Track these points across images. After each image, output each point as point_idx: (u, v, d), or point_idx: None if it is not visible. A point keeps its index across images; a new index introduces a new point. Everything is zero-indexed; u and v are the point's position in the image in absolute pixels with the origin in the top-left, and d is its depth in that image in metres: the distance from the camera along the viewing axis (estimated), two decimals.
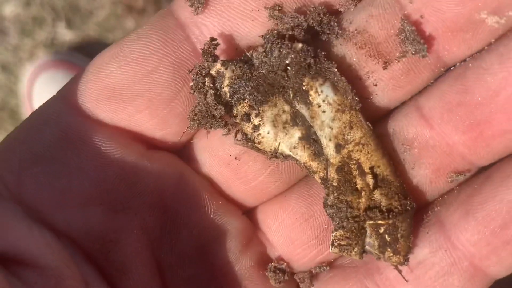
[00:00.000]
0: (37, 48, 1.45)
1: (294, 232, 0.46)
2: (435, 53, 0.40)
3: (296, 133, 0.41)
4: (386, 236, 0.40)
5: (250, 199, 0.46)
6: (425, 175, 0.42)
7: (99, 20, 1.45)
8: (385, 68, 0.40)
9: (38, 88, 1.34)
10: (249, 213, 0.48)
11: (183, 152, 0.45)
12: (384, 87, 0.41)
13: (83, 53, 1.45)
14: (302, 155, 0.41)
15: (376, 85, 0.41)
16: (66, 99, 0.42)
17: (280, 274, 0.46)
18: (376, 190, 0.40)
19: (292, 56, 0.38)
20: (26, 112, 1.38)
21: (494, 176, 0.40)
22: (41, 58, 1.40)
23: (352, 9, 0.40)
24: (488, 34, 0.38)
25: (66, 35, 1.46)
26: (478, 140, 0.39)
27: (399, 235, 0.40)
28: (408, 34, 0.39)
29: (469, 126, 0.39)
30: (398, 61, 0.40)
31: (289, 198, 0.46)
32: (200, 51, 0.41)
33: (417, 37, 0.38)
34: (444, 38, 0.39)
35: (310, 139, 0.41)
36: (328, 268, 0.46)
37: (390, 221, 0.39)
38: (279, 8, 0.39)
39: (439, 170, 0.42)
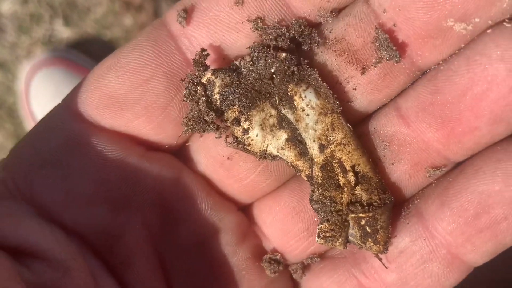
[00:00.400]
0: (34, 46, 1.47)
1: (286, 225, 0.50)
2: (409, 58, 0.43)
3: (283, 135, 0.45)
4: (367, 227, 0.44)
5: (244, 196, 0.51)
6: (404, 170, 0.46)
7: (97, 17, 1.47)
8: (363, 73, 0.44)
9: (35, 86, 1.37)
10: (245, 209, 0.52)
11: (180, 153, 0.50)
12: (363, 91, 0.45)
13: (80, 50, 1.46)
14: (289, 155, 0.45)
15: (355, 89, 0.45)
16: (69, 108, 0.46)
17: (275, 265, 0.50)
18: (357, 186, 0.44)
19: (277, 64, 0.42)
20: (23, 110, 1.40)
21: (467, 170, 0.44)
22: (38, 56, 1.42)
23: (331, 20, 0.44)
24: (457, 39, 0.41)
25: (63, 32, 1.47)
26: (450, 136, 0.43)
27: (378, 227, 0.44)
28: (382, 42, 0.42)
29: (441, 124, 0.43)
30: (375, 67, 0.44)
31: (282, 193, 0.50)
32: (191, 60, 0.44)
33: (390, 44, 0.42)
34: (416, 44, 0.42)
35: (296, 141, 0.45)
36: (319, 259, 0.50)
37: (370, 214, 0.43)
38: (262, 20, 0.43)
39: (417, 165, 0.45)
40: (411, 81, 0.45)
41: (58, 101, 1.41)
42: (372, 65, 0.44)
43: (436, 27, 0.41)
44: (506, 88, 0.39)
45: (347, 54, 0.44)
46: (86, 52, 1.48)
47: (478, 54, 0.40)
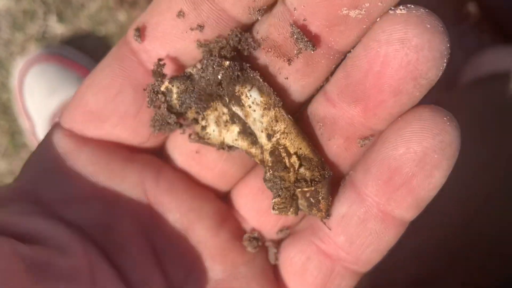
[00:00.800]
0: (28, 42, 1.54)
1: (256, 204, 0.60)
2: (325, 45, 0.50)
3: (236, 129, 0.54)
4: (311, 199, 0.53)
5: (219, 184, 0.61)
6: (340, 144, 0.54)
7: (91, 13, 1.54)
8: (289, 64, 0.52)
9: (28, 82, 1.46)
10: (225, 197, 0.62)
11: (161, 153, 0.60)
12: (293, 78, 0.53)
13: (75, 46, 1.55)
14: (243, 144, 0.55)
15: (287, 78, 0.53)
16: (61, 126, 0.57)
17: (254, 241, 0.60)
18: (301, 167, 0.53)
19: (222, 72, 0.51)
20: (17, 106, 1.50)
21: (378, 140, 0.52)
22: (32, 52, 1.51)
23: (260, 19, 0.52)
24: (357, 23, 0.48)
25: (57, 28, 1.55)
26: (366, 111, 0.50)
27: (320, 197, 0.53)
28: (297, 35, 0.50)
29: (356, 101, 0.51)
30: (297, 57, 0.52)
31: (249, 177, 0.60)
32: (151, 71, 0.54)
33: (303, 36, 0.49)
34: (325, 33, 0.49)
35: (247, 132, 0.54)
36: (288, 231, 0.61)
37: (313, 188, 0.53)
38: (201, 27, 0.51)
39: (349, 138, 0.53)
40: (336, 63, 0.53)
41: (52, 97, 1.51)
42: (295, 56, 0.52)
43: (335, 17, 0.48)
44: (396, 65, 0.47)
45: (274, 50, 0.53)
46: (81, 48, 1.56)
47: (371, 40, 0.48)
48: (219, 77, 0.52)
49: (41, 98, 1.46)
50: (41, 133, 1.53)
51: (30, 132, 1.54)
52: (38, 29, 1.57)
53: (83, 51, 1.57)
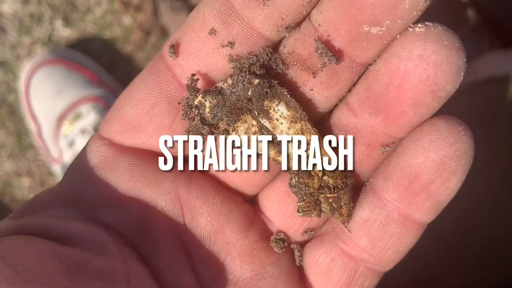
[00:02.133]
0: (35, 45, 1.56)
1: (282, 207, 0.63)
2: (348, 58, 0.53)
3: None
4: (334, 204, 0.57)
5: (247, 189, 0.64)
6: (362, 151, 0.57)
7: (96, 16, 1.56)
8: (314, 76, 0.55)
9: (35, 84, 1.48)
10: (253, 201, 0.65)
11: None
12: (318, 90, 0.56)
13: (80, 50, 1.57)
14: (271, 153, 0.58)
15: (312, 90, 0.56)
16: (100, 135, 0.60)
17: (280, 243, 0.64)
18: (324, 175, 0.56)
19: (252, 89, 0.54)
20: (24, 108, 1.52)
21: (398, 149, 0.55)
22: (38, 55, 1.52)
23: (287, 34, 0.54)
24: (379, 39, 0.51)
25: (63, 32, 1.57)
26: (387, 121, 0.53)
27: (342, 203, 0.56)
28: (321, 50, 0.53)
29: (377, 112, 0.53)
30: (322, 70, 0.54)
31: (276, 181, 0.64)
32: (184, 85, 0.57)
33: (327, 51, 0.52)
34: (348, 48, 0.52)
35: (274, 143, 0.57)
36: (312, 233, 0.64)
37: (335, 195, 0.56)
38: (232, 44, 0.54)
39: (371, 145, 0.56)
40: (358, 75, 0.56)
41: (57, 99, 1.55)
42: (319, 69, 0.55)
43: (357, 33, 0.51)
44: (415, 80, 0.50)
45: (299, 64, 0.56)
46: (86, 51, 1.59)
47: (391, 56, 0.51)
48: (249, 93, 0.56)
49: (47, 100, 1.49)
50: (47, 135, 1.55)
51: (36, 134, 1.56)
52: (44, 32, 1.59)
53: (89, 54, 1.60)
